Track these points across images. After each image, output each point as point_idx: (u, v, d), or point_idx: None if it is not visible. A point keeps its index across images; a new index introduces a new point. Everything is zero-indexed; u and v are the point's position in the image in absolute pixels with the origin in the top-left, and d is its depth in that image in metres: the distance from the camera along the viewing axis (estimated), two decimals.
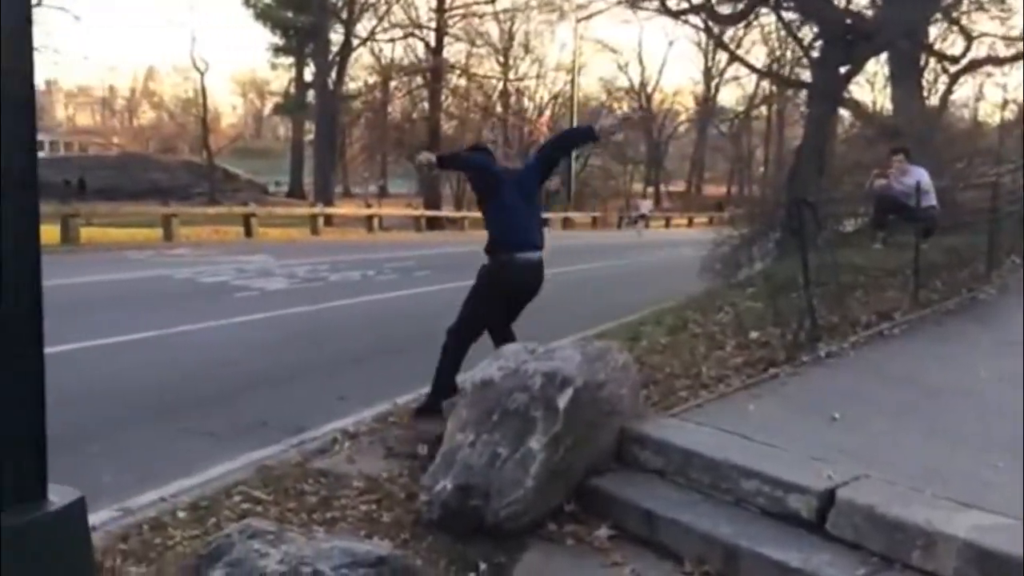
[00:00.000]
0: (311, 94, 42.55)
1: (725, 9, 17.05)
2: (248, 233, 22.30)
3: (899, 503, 3.28)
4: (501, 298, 5.04)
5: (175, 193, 38.29)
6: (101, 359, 7.22)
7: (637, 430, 4.12)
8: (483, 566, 3.41)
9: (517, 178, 5.22)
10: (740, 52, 29.11)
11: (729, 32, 24.69)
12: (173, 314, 9.14)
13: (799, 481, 3.51)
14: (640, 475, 4.03)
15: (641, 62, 57.12)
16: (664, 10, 17.41)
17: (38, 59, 2.01)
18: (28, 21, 1.87)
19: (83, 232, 18.68)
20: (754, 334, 6.16)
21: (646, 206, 41.37)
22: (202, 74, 49.21)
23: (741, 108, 55.55)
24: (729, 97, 62.31)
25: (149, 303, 10.68)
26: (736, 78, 51.15)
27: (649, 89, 57.23)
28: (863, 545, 3.26)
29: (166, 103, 77.02)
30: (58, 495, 2.02)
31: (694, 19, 18.91)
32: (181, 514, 3.87)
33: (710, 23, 18.63)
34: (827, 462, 3.67)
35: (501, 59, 45.66)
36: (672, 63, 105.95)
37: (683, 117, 61.86)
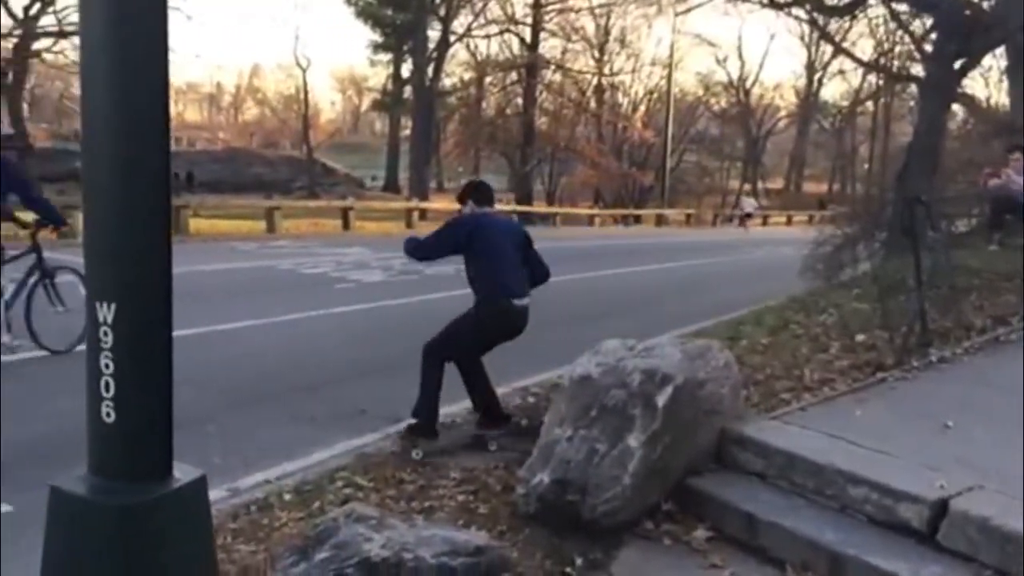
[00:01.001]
0: (408, 90, 43.20)
1: (834, 0, 16.47)
2: (346, 226, 22.83)
3: (1015, 516, 3.13)
4: (489, 337, 5.17)
5: (276, 187, 39.49)
6: (213, 344, 7.51)
7: (738, 431, 4.04)
8: (579, 561, 3.40)
9: (508, 228, 5.41)
10: (846, 45, 28.14)
11: (834, 24, 23.89)
12: (278, 303, 9.44)
13: (910, 490, 3.38)
14: (740, 477, 3.95)
15: (740, 56, 56.00)
16: (769, 2, 16.94)
17: None
18: (164, 33, 1.95)
19: (191, 223, 19.48)
20: (860, 336, 5.95)
21: (751, 204, 40.37)
22: (304, 71, 50.68)
23: (845, 103, 53.70)
24: (833, 92, 60.39)
25: (255, 292, 11.06)
26: (841, 72, 49.36)
27: (748, 83, 55.91)
28: (976, 558, 3.12)
29: (269, 99, 79.59)
30: (182, 473, 2.12)
31: (798, 11, 18.36)
32: (287, 496, 4.00)
33: (816, 15, 18.05)
34: (939, 471, 3.52)
35: (596, 54, 45.33)
36: (773, 56, 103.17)
37: (783, 112, 60.22)
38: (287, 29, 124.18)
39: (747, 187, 57.02)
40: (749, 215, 38.70)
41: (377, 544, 2.94)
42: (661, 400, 3.74)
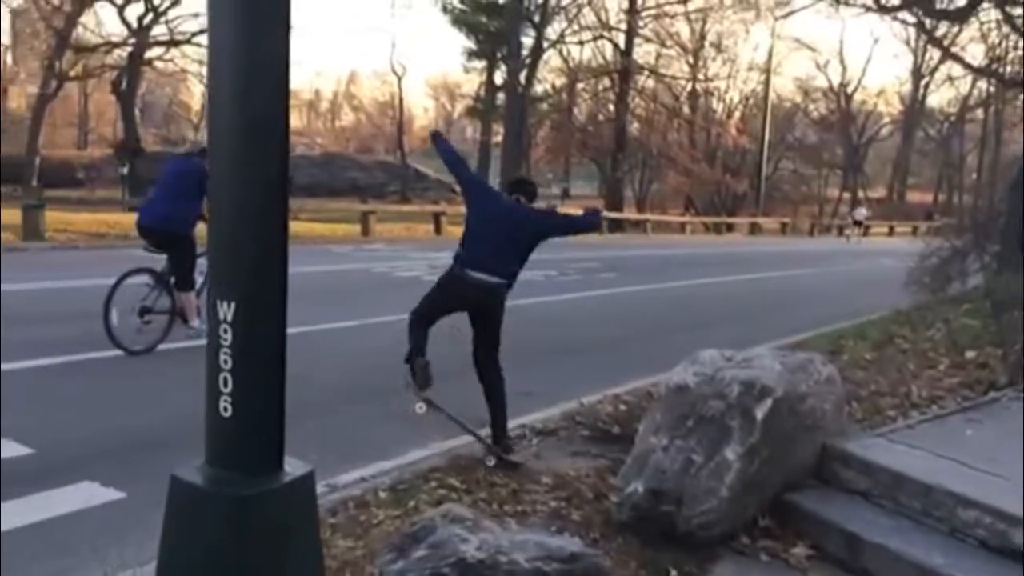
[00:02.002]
0: (501, 96, 43.54)
1: (944, 4, 15.81)
2: (438, 231, 23.18)
3: None
4: (441, 300, 5.10)
5: (371, 191, 40.38)
6: (314, 343, 7.72)
7: (840, 448, 3.92)
8: (674, 573, 3.36)
9: (510, 215, 5.06)
10: (955, 49, 26.96)
11: (943, 28, 22.96)
12: (373, 305, 9.62)
13: None
14: (842, 495, 3.84)
15: (842, 61, 54.29)
16: (876, 6, 16.37)
17: None
18: (286, 45, 2.03)
19: (291, 226, 20.08)
20: (970, 353, 5.70)
21: (861, 213, 39.01)
22: (400, 78, 51.68)
23: (953, 110, 51.49)
24: (940, 98, 57.85)
25: (352, 294, 11.33)
26: (950, 78, 47.35)
27: (850, 89, 54.21)
28: None
29: (365, 106, 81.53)
30: (292, 467, 2.19)
31: (905, 14, 17.70)
32: (382, 494, 4.08)
33: (924, 18, 17.37)
34: None
35: (691, 60, 44.73)
36: (876, 61, 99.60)
37: (886, 119, 58.16)
38: (384, 37, 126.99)
39: (846, 195, 55.32)
40: (859, 223, 37.45)
41: (473, 546, 2.97)
42: (760, 413, 3.66)
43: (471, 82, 58.52)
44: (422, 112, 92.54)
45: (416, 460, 4.77)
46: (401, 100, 57.40)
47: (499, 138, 44.94)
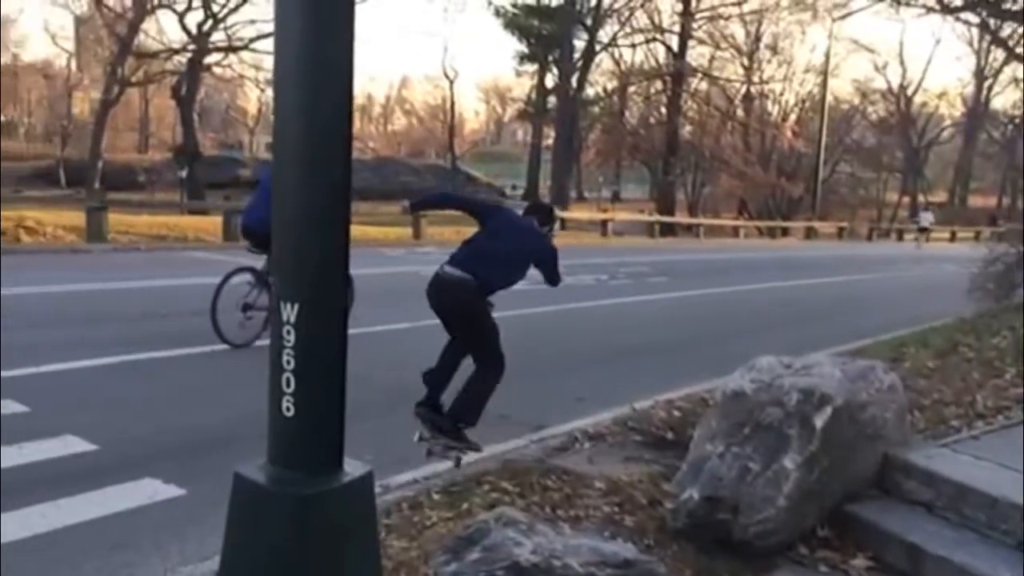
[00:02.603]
0: (552, 100, 43.53)
1: (1010, 4, 15.34)
2: None
3: None
4: (436, 311, 4.97)
5: (422, 195, 40.66)
6: (370, 345, 7.80)
7: (902, 458, 3.83)
8: None
9: (521, 239, 5.00)
10: (1020, 51, 26.15)
11: (1008, 28, 22.29)
12: (427, 307, 9.67)
13: None
14: (903, 506, 3.75)
15: (902, 62, 53.05)
16: (939, 7, 15.95)
17: None
18: (350, 50, 2.05)
19: None
20: None
21: (927, 218, 38.03)
22: (451, 82, 52.02)
23: (1018, 112, 49.95)
24: (1004, 100, 56.20)
25: (405, 296, 11.36)
26: (1015, 80, 45.96)
27: (910, 91, 53.01)
28: None
29: (416, 110, 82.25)
30: (352, 468, 2.21)
31: (968, 15, 17.23)
32: (436, 496, 4.10)
33: (988, 19, 16.89)
34: None
35: (745, 62, 44.21)
36: (937, 63, 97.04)
37: (948, 122, 56.72)
38: (436, 41, 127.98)
39: (906, 199, 54.10)
40: (925, 228, 36.50)
41: (527, 549, 2.97)
42: (819, 421, 3.60)
43: (522, 85, 58.60)
44: (473, 116, 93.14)
45: (468, 463, 4.77)
46: (452, 104, 57.80)
47: (550, 141, 44.94)
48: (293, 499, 2.12)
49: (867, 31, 78.26)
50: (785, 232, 38.05)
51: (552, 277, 5.13)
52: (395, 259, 16.44)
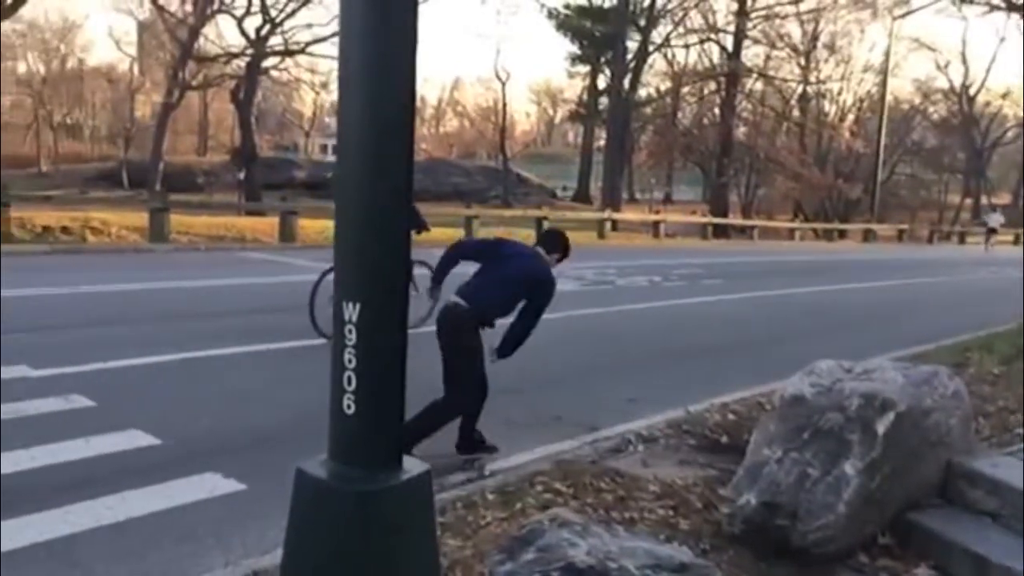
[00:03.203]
0: (604, 101, 43.38)
1: None
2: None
3: None
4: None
5: (473, 196, 40.92)
6: (421, 346, 7.87)
7: (967, 466, 3.73)
8: None
9: (516, 265, 4.98)
10: None
11: None
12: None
13: None
14: (967, 515, 3.65)
15: (964, 61, 51.67)
16: (1004, 4, 15.49)
17: None
18: (413, 55, 2.07)
19: None
20: None
21: (996, 219, 36.93)
22: (503, 83, 52.15)
23: None
24: None
25: None
26: None
27: (972, 90, 51.58)
28: None
29: (468, 111, 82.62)
30: (410, 465, 2.24)
31: None
32: (490, 496, 4.11)
33: None
34: None
35: (802, 61, 43.48)
36: (1001, 61, 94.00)
37: (1012, 122, 55.01)
38: (488, 43, 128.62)
39: (968, 201, 52.64)
40: (994, 230, 35.45)
41: (582, 551, 2.96)
42: (881, 427, 3.52)
43: (574, 87, 58.65)
44: (524, 117, 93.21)
45: (521, 463, 4.79)
46: (504, 105, 57.90)
47: (601, 142, 44.78)
48: (353, 495, 2.15)
49: (929, 29, 76.30)
50: (842, 235, 37.33)
51: (537, 307, 4.94)
52: None
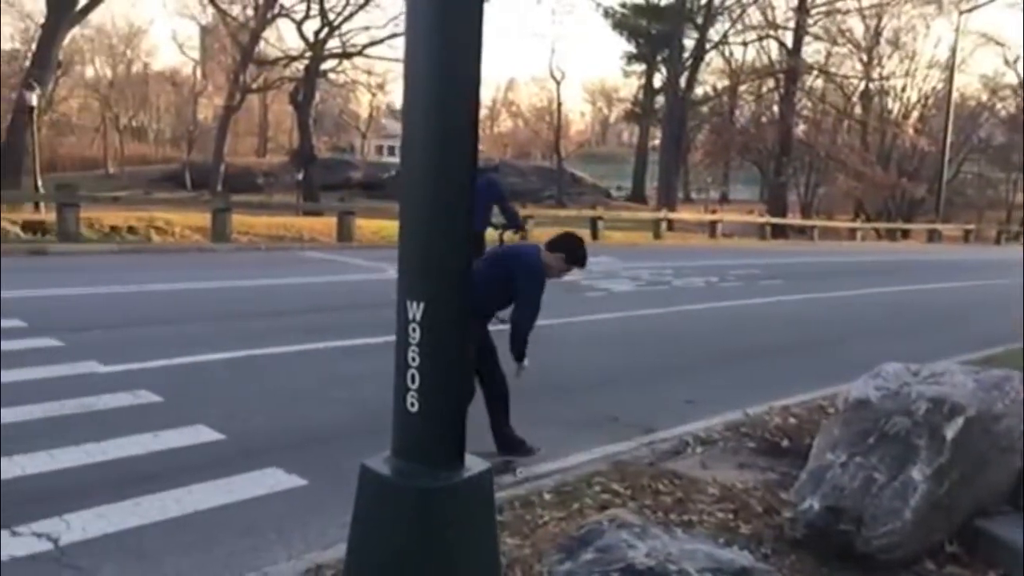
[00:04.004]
0: (660, 100, 43.06)
1: None
2: (594, 236, 23.14)
3: None
4: None
5: (528, 196, 40.84)
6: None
7: None
8: None
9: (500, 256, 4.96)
10: None
11: None
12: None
13: None
14: None
15: None
16: None
17: None
18: (478, 57, 2.09)
19: None
20: None
21: None
22: (558, 83, 52.10)
23: None
24: None
25: None
26: None
27: None
28: None
29: (522, 111, 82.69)
30: (472, 463, 2.25)
31: None
32: (547, 495, 4.12)
33: None
34: None
35: (864, 57, 42.52)
36: None
37: None
38: (543, 43, 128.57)
39: None
40: None
41: (641, 552, 2.95)
42: (950, 432, 3.43)
43: (629, 86, 58.28)
44: (579, 117, 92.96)
45: (578, 463, 4.79)
46: (559, 105, 57.82)
47: (656, 142, 44.44)
48: (416, 492, 2.18)
49: (997, 24, 73.97)
50: (906, 235, 36.44)
51: (526, 295, 4.74)
52: None
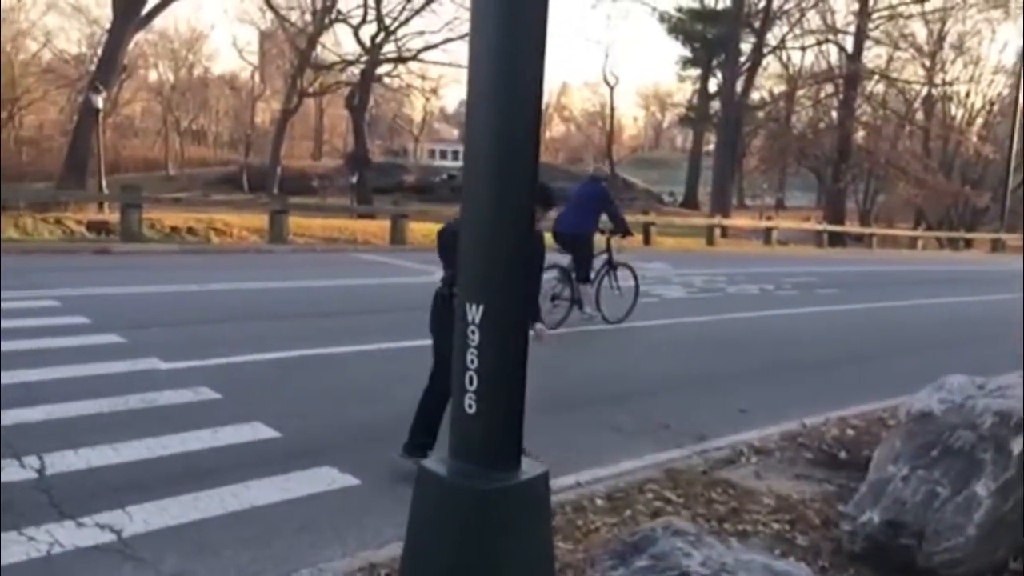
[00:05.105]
0: (714, 105, 42.63)
1: None
2: (647, 241, 23.00)
3: None
4: None
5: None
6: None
7: None
8: None
9: None
10: None
11: None
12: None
13: None
14: None
15: None
16: None
17: None
18: (541, 61, 2.09)
19: None
20: None
21: None
22: (612, 88, 51.94)
23: None
24: None
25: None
26: None
27: None
28: None
29: (575, 116, 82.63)
30: (528, 466, 2.26)
31: None
32: (598, 501, 4.10)
33: None
34: None
35: (927, 62, 41.57)
36: None
37: None
38: (596, 48, 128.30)
39: None
40: None
41: (696, 560, 2.92)
42: (1017, 446, 3.34)
43: (683, 90, 57.80)
44: (631, 122, 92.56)
45: (630, 470, 4.76)
46: (612, 110, 57.63)
47: (710, 147, 43.97)
48: (473, 493, 2.19)
49: None
50: (968, 244, 35.48)
51: None
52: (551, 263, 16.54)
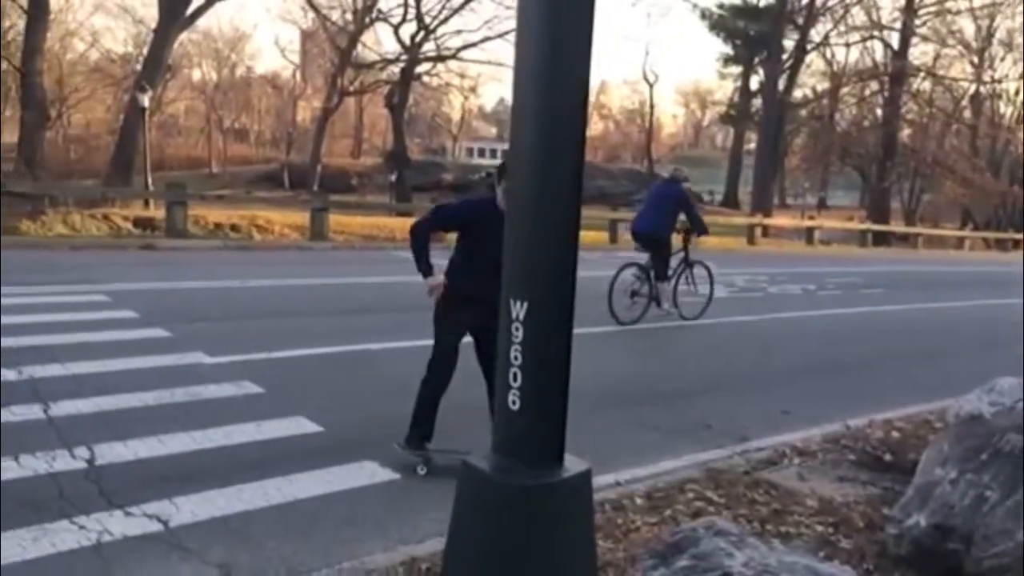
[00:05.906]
0: (756, 103, 42.16)
1: None
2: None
3: None
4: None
5: (618, 199, 40.59)
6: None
7: None
8: None
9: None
10: None
11: None
12: (623, 314, 9.66)
13: None
14: None
15: None
16: None
17: None
18: (587, 59, 2.09)
19: None
20: None
21: None
22: (651, 86, 51.64)
23: None
24: None
25: (603, 299, 11.44)
26: None
27: None
28: None
29: (613, 114, 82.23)
30: (571, 463, 2.26)
31: None
32: (638, 500, 4.09)
33: None
34: None
35: (975, 59, 40.69)
36: None
37: None
38: (635, 46, 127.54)
39: None
40: None
41: (738, 561, 2.89)
42: None
43: (724, 88, 57.27)
44: (671, 120, 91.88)
45: (670, 469, 4.73)
46: (651, 107, 57.28)
47: (751, 145, 43.50)
48: (516, 489, 2.19)
49: None
50: (1017, 245, 34.67)
51: None
52: (593, 263, 16.44)
